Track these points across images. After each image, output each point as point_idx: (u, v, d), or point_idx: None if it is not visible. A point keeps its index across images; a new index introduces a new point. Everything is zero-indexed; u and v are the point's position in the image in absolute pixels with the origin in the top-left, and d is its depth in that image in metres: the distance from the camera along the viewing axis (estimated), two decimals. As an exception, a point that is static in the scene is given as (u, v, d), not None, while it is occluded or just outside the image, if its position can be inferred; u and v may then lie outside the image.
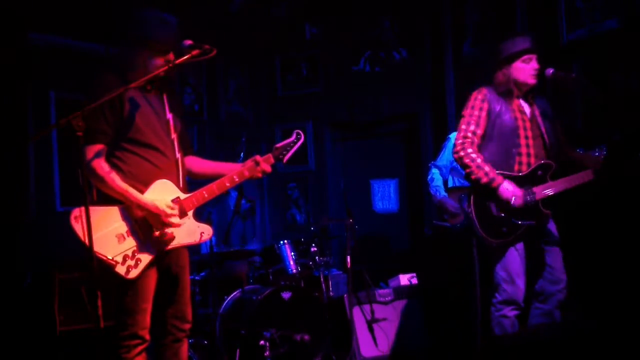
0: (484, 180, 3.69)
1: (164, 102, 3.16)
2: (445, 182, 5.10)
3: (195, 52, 2.96)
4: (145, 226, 2.98)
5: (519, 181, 3.73)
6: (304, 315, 4.64)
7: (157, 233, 2.97)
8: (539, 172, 3.75)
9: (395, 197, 6.93)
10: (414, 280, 5.30)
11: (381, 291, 5.06)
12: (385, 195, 6.97)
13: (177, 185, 3.11)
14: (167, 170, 3.09)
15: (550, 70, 3.75)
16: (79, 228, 2.81)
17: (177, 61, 2.98)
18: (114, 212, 2.95)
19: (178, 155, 3.15)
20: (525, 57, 3.75)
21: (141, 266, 2.94)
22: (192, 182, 3.30)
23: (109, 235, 2.91)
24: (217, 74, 6.80)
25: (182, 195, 3.09)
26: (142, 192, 2.99)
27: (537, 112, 3.85)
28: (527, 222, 3.70)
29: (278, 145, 3.35)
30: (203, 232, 3.13)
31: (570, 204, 3.89)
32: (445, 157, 5.08)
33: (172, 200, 3.05)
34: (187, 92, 6.49)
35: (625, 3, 4.63)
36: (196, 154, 3.40)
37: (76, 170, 2.77)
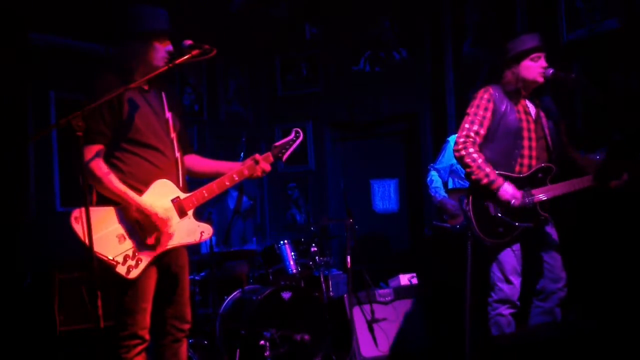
0: (485, 181, 3.69)
1: (163, 101, 3.16)
2: (445, 184, 5.11)
3: (195, 52, 2.96)
4: (145, 226, 2.98)
5: (518, 182, 3.73)
6: (304, 315, 4.64)
7: (149, 241, 2.96)
8: (540, 175, 3.75)
9: (395, 197, 6.93)
10: (414, 280, 5.30)
11: (381, 291, 5.05)
12: (385, 195, 6.97)
13: (177, 184, 3.11)
14: (167, 169, 3.09)
15: (550, 70, 3.75)
16: (79, 229, 2.82)
17: (177, 61, 2.98)
18: (114, 212, 2.95)
19: (177, 154, 3.15)
20: (534, 55, 3.74)
21: (142, 266, 2.94)
22: (192, 182, 3.30)
23: (109, 235, 2.91)
24: (217, 74, 6.80)
25: (182, 195, 3.09)
26: (142, 192, 2.99)
27: (542, 114, 3.85)
28: (524, 224, 3.70)
29: (277, 143, 3.35)
30: (203, 232, 3.13)
31: (570, 204, 3.89)
32: (445, 159, 5.08)
33: (172, 200, 3.05)
34: (187, 92, 6.49)
35: (625, 3, 4.63)
36: (196, 152, 3.40)
37: (76, 170, 2.77)
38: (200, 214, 3.18)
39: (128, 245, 2.93)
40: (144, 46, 3.02)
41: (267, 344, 4.37)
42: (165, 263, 3.09)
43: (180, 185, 3.13)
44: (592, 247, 4.42)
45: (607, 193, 3.74)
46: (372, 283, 5.12)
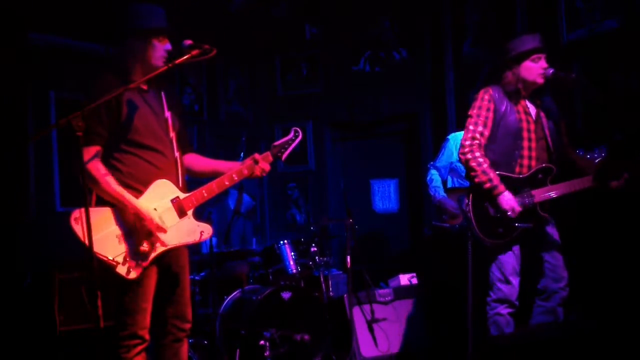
0: (487, 185, 3.69)
1: (162, 101, 3.16)
2: (444, 183, 5.10)
3: (195, 52, 2.96)
4: (140, 229, 2.98)
5: (518, 183, 3.73)
6: (304, 315, 4.64)
7: (143, 248, 2.95)
8: (540, 176, 3.75)
9: (395, 197, 6.93)
10: (414, 280, 5.30)
11: (381, 291, 5.05)
12: (385, 195, 6.97)
13: (177, 184, 3.11)
14: (166, 170, 3.09)
15: (551, 71, 3.75)
16: (79, 229, 2.82)
17: (177, 61, 2.98)
18: (114, 212, 2.95)
19: (177, 154, 3.15)
20: (535, 56, 3.74)
21: (142, 266, 2.94)
22: (191, 181, 3.30)
23: (109, 236, 2.91)
24: (217, 74, 6.80)
25: (182, 195, 3.09)
26: (141, 192, 2.99)
27: (542, 114, 3.85)
28: (524, 224, 3.70)
29: (276, 143, 3.35)
30: (203, 231, 3.13)
31: (570, 204, 3.89)
32: (445, 158, 5.07)
33: (172, 200, 3.05)
34: (187, 92, 6.49)
35: (625, 3, 4.63)
36: (196, 151, 3.39)
37: (76, 170, 2.77)
38: (200, 214, 3.18)
39: (128, 245, 2.93)
40: (143, 44, 3.03)
41: (267, 344, 4.37)
42: (165, 263, 3.09)
43: (180, 185, 3.13)
44: (592, 247, 4.42)
45: (607, 193, 3.74)
46: (372, 283, 5.12)
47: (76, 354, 4.41)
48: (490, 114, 3.80)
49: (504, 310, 3.77)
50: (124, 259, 2.90)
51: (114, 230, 2.93)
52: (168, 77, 3.16)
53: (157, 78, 3.08)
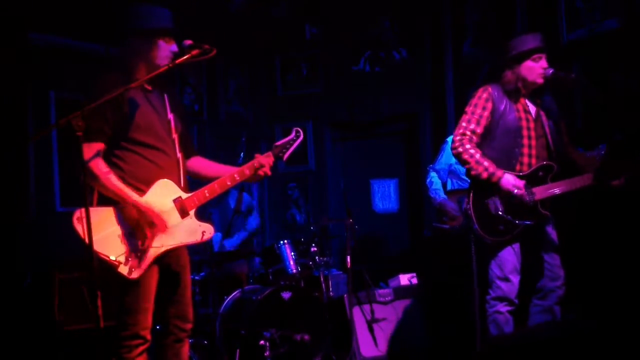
0: (484, 175, 3.69)
1: (165, 102, 3.17)
2: (444, 185, 5.10)
3: (195, 52, 2.96)
4: (143, 224, 2.98)
5: (519, 180, 3.74)
6: (304, 315, 4.64)
7: (148, 239, 2.95)
8: (540, 173, 3.76)
9: (395, 197, 6.93)
10: (414, 280, 5.30)
11: (381, 291, 5.05)
12: (385, 195, 6.97)
13: (178, 184, 3.11)
14: (168, 169, 3.09)
15: (551, 71, 3.75)
16: (81, 229, 2.81)
17: (177, 61, 2.99)
18: (115, 212, 2.95)
19: (179, 154, 3.15)
20: (535, 56, 3.74)
21: (143, 266, 2.94)
22: (192, 181, 3.30)
23: (111, 235, 2.91)
24: (217, 74, 6.80)
25: (184, 195, 3.09)
26: (143, 191, 2.99)
27: (542, 113, 3.85)
28: (525, 222, 3.70)
29: (278, 143, 3.35)
30: (205, 231, 3.13)
31: (570, 204, 3.89)
32: (444, 160, 5.07)
33: (174, 200, 3.06)
34: (187, 92, 6.49)
35: (625, 3, 4.63)
36: (199, 154, 3.40)
37: (76, 170, 2.77)
38: (201, 214, 3.18)
39: (130, 245, 2.93)
40: (149, 44, 3.03)
41: (267, 344, 4.37)
42: (166, 263, 3.09)
43: (182, 185, 3.13)
44: (592, 247, 4.42)
45: (607, 192, 3.74)
46: (372, 283, 5.12)
47: (76, 354, 4.41)
48: (486, 113, 3.80)
49: (503, 308, 3.77)
50: (126, 258, 2.90)
51: (116, 229, 2.93)
52: (168, 77, 3.16)
53: (161, 80, 3.09)
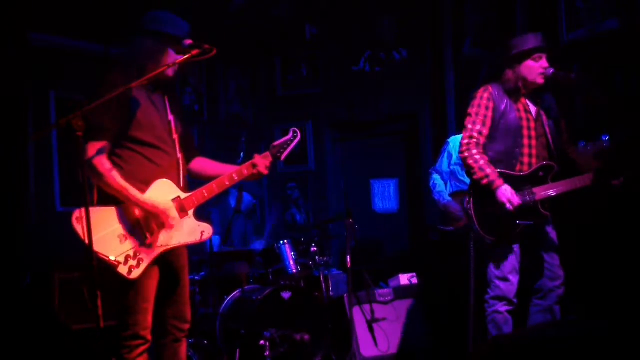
0: (485, 181, 3.70)
1: (166, 104, 3.17)
2: (445, 186, 5.09)
3: (195, 51, 2.96)
4: (145, 223, 2.98)
5: (519, 181, 3.73)
6: (304, 315, 4.64)
7: (151, 238, 2.96)
8: (540, 173, 3.76)
9: (395, 197, 6.93)
10: (414, 280, 5.30)
11: (381, 291, 5.05)
12: (385, 195, 6.97)
13: (178, 184, 3.11)
14: (168, 168, 3.09)
15: (551, 70, 3.75)
16: (80, 229, 2.81)
17: (177, 61, 2.99)
18: (115, 212, 2.95)
19: (179, 155, 3.15)
20: (536, 55, 3.74)
21: (143, 266, 2.94)
22: (192, 182, 3.30)
23: (110, 235, 2.91)
24: (217, 74, 6.80)
25: (183, 195, 3.10)
26: (143, 191, 2.99)
27: (542, 112, 3.85)
28: (525, 222, 3.70)
29: (275, 143, 3.36)
30: (204, 231, 3.14)
31: (570, 204, 3.89)
32: (445, 161, 5.06)
33: (173, 200, 3.06)
34: (187, 92, 6.49)
35: (625, 3, 4.63)
36: (201, 155, 3.40)
37: (76, 169, 2.77)
38: (201, 214, 3.19)
39: (129, 245, 2.93)
40: (161, 48, 3.03)
41: (267, 344, 4.37)
42: (166, 263, 3.09)
43: (182, 185, 3.13)
44: (592, 247, 4.42)
45: (607, 192, 3.74)
46: (372, 283, 5.12)
47: (76, 353, 4.41)
48: (489, 113, 3.80)
49: (502, 307, 3.77)
50: (126, 259, 2.90)
51: (116, 230, 2.93)
52: (172, 80, 3.18)
53: (165, 84, 3.10)
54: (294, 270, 5.01)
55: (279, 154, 3.34)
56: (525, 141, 3.78)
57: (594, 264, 4.39)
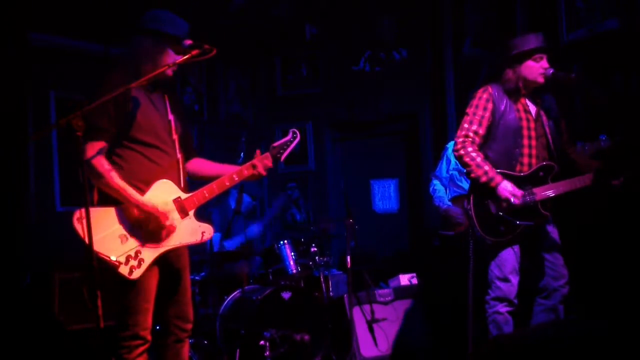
0: (483, 179, 3.70)
1: (166, 104, 3.17)
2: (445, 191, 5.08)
3: (195, 52, 2.96)
4: (145, 224, 2.98)
5: (519, 181, 3.73)
6: (304, 315, 4.64)
7: (151, 238, 2.96)
8: (541, 173, 3.75)
9: (395, 197, 6.93)
10: (414, 280, 5.30)
11: (381, 291, 5.05)
12: (385, 195, 6.97)
13: (178, 185, 3.11)
14: (168, 168, 3.09)
15: (551, 71, 3.75)
16: (81, 229, 2.81)
17: (177, 61, 2.99)
18: (115, 212, 2.95)
19: (179, 155, 3.15)
20: (537, 55, 3.74)
21: (144, 266, 2.94)
22: (192, 182, 3.30)
23: (111, 236, 2.90)
24: (217, 74, 6.80)
25: (183, 195, 3.10)
26: (143, 191, 2.99)
27: (542, 112, 3.85)
28: (525, 222, 3.70)
29: (275, 144, 3.36)
30: (204, 232, 3.14)
31: (571, 204, 3.89)
32: (445, 166, 5.05)
33: (173, 200, 3.06)
34: (187, 92, 6.49)
35: (625, 3, 4.63)
36: (200, 156, 3.40)
37: (76, 169, 2.77)
38: (201, 214, 3.19)
39: (130, 245, 2.93)
40: (160, 48, 3.03)
41: (267, 344, 4.37)
42: (166, 263, 3.09)
43: (182, 185, 3.13)
44: (592, 246, 4.42)
45: (607, 192, 3.74)
46: (372, 283, 5.12)
47: (76, 353, 4.41)
48: (487, 114, 3.80)
49: (502, 308, 3.77)
50: (127, 259, 2.90)
51: (116, 230, 2.93)
52: (171, 80, 3.18)
53: (165, 84, 3.09)
54: (294, 271, 5.01)
55: (278, 155, 3.34)
56: (525, 141, 3.78)
57: (594, 264, 4.39)
